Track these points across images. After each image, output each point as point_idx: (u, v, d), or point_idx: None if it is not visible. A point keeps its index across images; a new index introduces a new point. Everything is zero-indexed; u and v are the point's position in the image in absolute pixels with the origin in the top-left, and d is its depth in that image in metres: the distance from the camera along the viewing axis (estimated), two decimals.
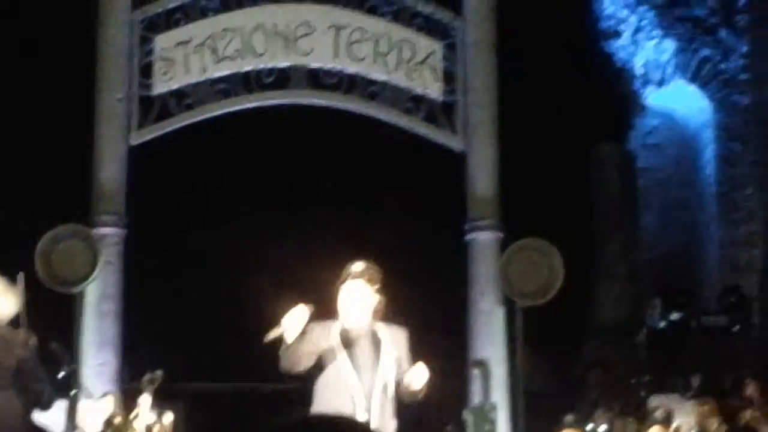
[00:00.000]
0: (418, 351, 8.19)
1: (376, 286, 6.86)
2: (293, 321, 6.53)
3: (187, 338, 9.54)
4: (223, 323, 9.90)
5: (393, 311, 7.51)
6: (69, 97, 10.24)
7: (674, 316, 11.56)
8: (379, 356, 6.81)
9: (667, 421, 9.21)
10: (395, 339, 6.84)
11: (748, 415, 9.42)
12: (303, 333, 6.63)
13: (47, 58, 10.31)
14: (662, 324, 11.60)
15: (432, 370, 9.59)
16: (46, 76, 10.32)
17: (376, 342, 6.85)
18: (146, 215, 10.02)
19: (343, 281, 6.83)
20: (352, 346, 6.75)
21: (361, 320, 6.73)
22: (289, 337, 6.51)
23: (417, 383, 6.51)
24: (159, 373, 8.67)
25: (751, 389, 9.83)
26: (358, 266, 6.86)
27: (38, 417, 7.42)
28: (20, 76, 10.53)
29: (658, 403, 9.73)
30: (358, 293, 6.75)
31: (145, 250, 9.94)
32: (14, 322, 7.27)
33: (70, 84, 10.23)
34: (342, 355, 6.71)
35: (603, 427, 9.00)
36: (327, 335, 6.69)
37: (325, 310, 6.99)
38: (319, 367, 6.71)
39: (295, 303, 7.75)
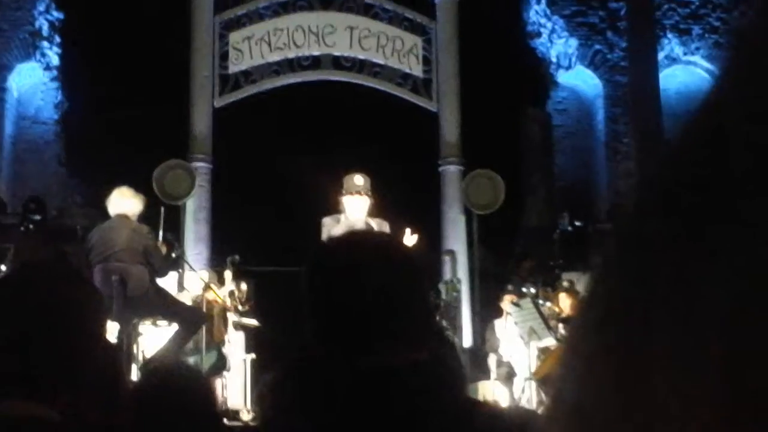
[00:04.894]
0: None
1: (369, 194, 6.96)
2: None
3: (255, 237, 9.62)
4: (280, 225, 9.99)
5: (387, 215, 7.55)
6: (174, 75, 10.30)
7: (578, 223, 11.68)
8: None
9: (572, 289, 9.27)
10: (383, 228, 6.96)
11: None
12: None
13: (160, 51, 10.34)
14: (569, 228, 11.73)
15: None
16: (159, 63, 10.36)
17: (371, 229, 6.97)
18: (227, 155, 10.09)
19: (348, 193, 6.90)
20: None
21: (361, 217, 6.86)
22: None
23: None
24: (237, 257, 8.79)
25: None
26: (358, 181, 6.92)
27: (160, 282, 7.55)
28: (143, 64, 10.55)
29: (567, 278, 9.84)
30: (359, 203, 6.86)
31: (226, 178, 10.03)
32: (140, 220, 7.34)
33: (175, 67, 10.28)
34: None
35: (531, 290, 9.13)
36: (337, 223, 6.80)
37: (336, 207, 7.06)
38: None
39: (321, 205, 7.74)
